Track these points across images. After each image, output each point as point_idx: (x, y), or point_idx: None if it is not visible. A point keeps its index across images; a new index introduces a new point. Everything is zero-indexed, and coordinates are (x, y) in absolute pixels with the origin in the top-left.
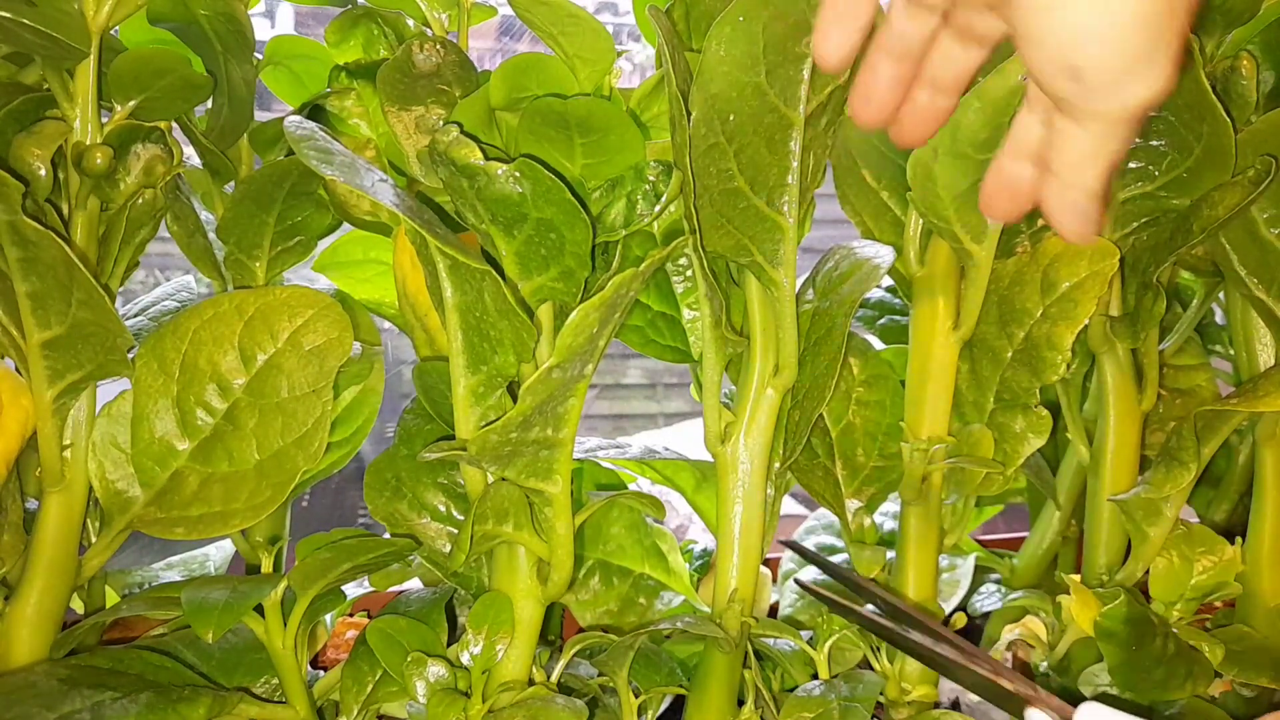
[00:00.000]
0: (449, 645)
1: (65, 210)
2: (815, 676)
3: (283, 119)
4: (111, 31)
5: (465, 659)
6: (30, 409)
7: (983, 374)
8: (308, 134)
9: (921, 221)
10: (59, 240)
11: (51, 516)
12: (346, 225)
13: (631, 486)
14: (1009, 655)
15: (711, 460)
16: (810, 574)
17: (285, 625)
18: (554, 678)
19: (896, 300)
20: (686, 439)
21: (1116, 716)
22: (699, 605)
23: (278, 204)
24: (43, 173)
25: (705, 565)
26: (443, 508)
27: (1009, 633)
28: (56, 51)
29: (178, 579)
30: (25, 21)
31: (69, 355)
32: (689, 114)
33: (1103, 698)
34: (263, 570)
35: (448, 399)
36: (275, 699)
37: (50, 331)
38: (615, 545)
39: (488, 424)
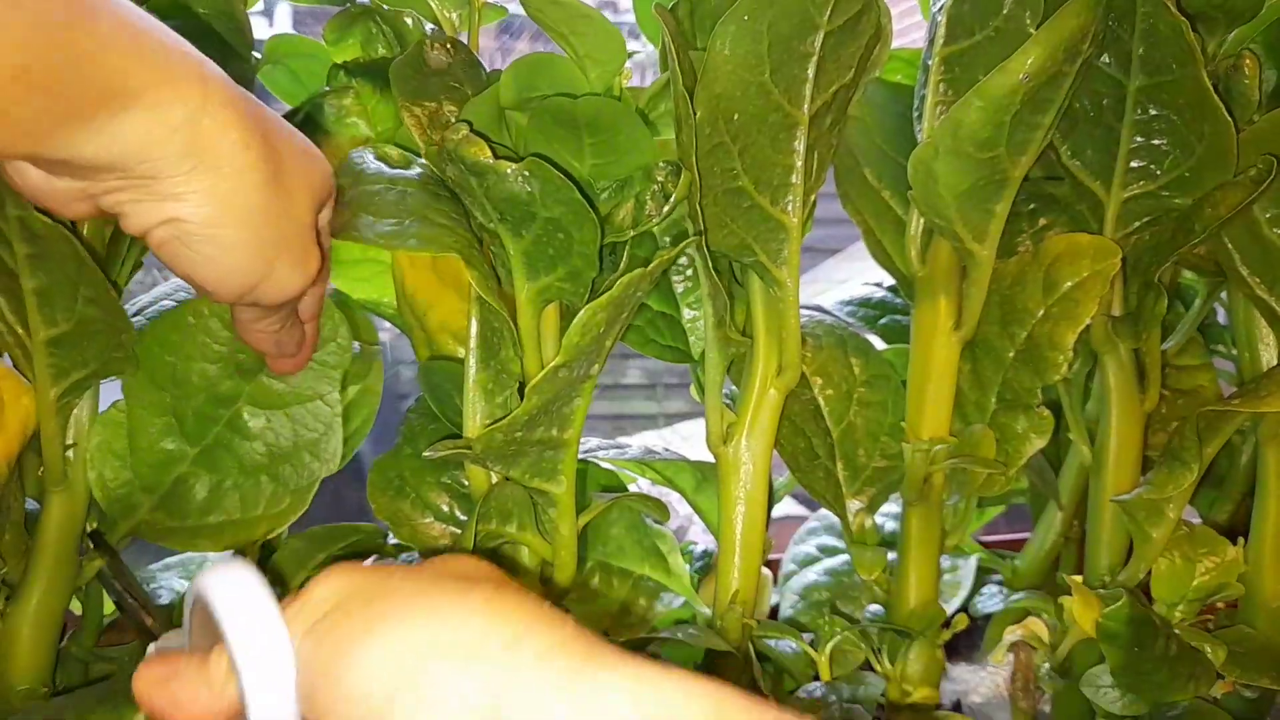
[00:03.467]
0: None
1: None
2: (817, 678)
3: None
4: None
5: None
6: (32, 408)
7: (984, 374)
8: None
9: (923, 221)
10: (69, 235)
11: (54, 516)
12: None
13: (631, 487)
14: (1011, 657)
15: (711, 461)
16: (812, 576)
17: None
18: None
19: (898, 300)
20: (686, 439)
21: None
22: (699, 607)
23: None
24: None
25: (706, 566)
26: (446, 507)
27: (1011, 634)
28: None
29: (176, 580)
30: None
31: (74, 353)
32: (694, 113)
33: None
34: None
35: (453, 398)
36: None
37: (56, 329)
38: (615, 546)
39: (493, 422)
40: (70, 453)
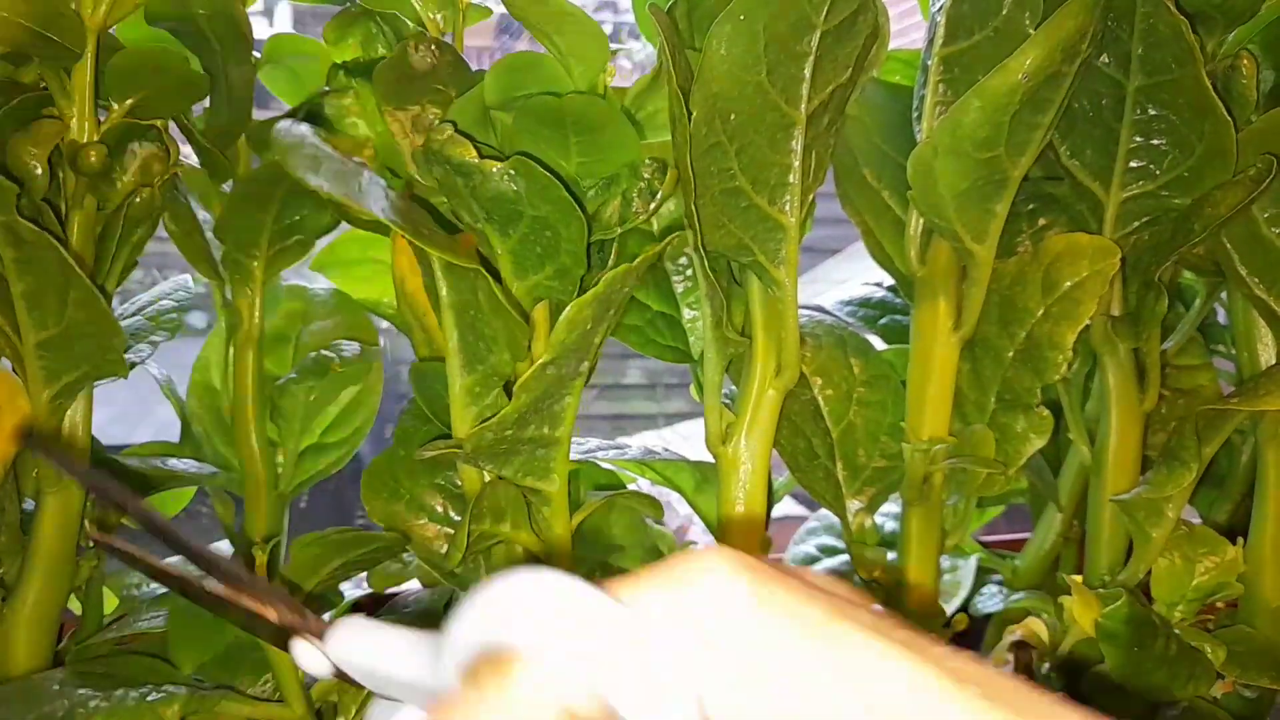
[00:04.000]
0: None
1: (63, 210)
2: None
3: (281, 118)
4: (110, 30)
5: None
6: (27, 410)
7: (984, 374)
8: (296, 140)
9: (922, 221)
10: (54, 240)
11: (49, 517)
12: (345, 224)
13: (631, 487)
14: (1011, 657)
15: (711, 461)
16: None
17: None
18: None
19: (898, 300)
20: (686, 439)
21: (371, 626)
22: None
23: (275, 203)
24: (39, 172)
25: None
26: (440, 508)
27: (1011, 634)
28: (52, 51)
29: None
30: (20, 21)
31: (65, 355)
32: (690, 113)
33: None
34: (256, 569)
35: (444, 399)
36: (275, 699)
37: (46, 332)
38: (615, 546)
39: (483, 421)
40: None
